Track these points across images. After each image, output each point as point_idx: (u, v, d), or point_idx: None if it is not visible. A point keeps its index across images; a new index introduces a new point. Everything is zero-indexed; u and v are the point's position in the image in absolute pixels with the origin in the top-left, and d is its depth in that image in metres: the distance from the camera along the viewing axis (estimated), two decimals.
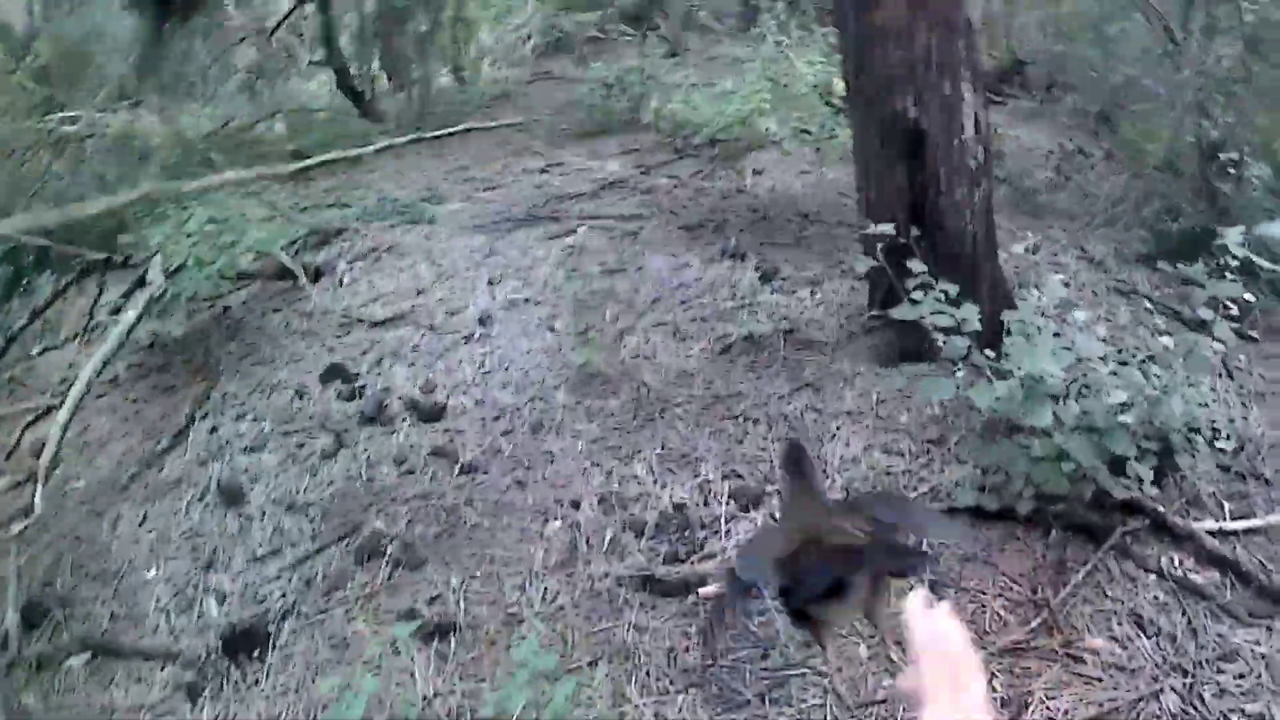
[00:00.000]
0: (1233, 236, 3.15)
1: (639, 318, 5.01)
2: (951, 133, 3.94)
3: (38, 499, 4.04)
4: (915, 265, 3.34)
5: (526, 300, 5.42)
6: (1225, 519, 3.29)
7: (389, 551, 3.69)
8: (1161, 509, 3.20)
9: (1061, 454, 3.00)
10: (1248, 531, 3.23)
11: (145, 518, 4.41)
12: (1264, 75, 5.73)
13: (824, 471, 3.72)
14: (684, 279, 5.33)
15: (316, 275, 6.27)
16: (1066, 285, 4.71)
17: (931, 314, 3.21)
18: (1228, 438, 3.57)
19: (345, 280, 6.18)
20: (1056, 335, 3.18)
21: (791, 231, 5.98)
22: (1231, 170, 5.50)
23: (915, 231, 3.70)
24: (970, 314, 3.19)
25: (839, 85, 5.77)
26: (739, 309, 4.94)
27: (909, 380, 3.90)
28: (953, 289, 3.29)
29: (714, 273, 5.39)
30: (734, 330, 4.72)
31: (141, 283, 5.44)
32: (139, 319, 5.12)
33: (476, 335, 5.14)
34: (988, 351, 3.20)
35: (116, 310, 5.51)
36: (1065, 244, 5.64)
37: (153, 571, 4.08)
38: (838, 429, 3.97)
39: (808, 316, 4.83)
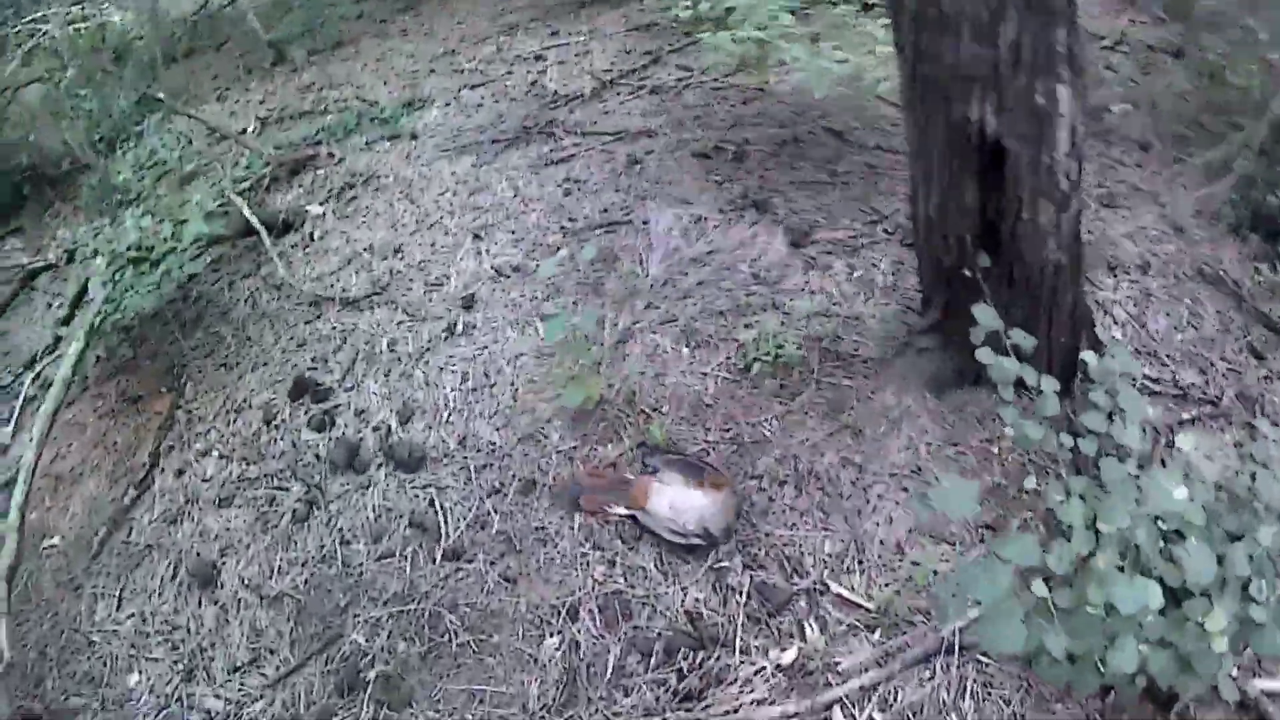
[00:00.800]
0: None
1: (645, 309, 4.55)
2: (1040, 150, 3.30)
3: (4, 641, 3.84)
4: (983, 313, 3.06)
5: (516, 269, 4.97)
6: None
7: (370, 683, 3.52)
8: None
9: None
10: None
11: (121, 600, 4.29)
12: None
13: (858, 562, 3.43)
14: (697, 247, 4.81)
15: (285, 228, 5.86)
16: (1145, 269, 4.43)
17: (1002, 381, 2.97)
18: None
19: (316, 234, 5.76)
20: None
21: (824, 160, 5.38)
22: None
23: (986, 259, 3.38)
24: (1048, 387, 2.91)
25: None
26: (763, 301, 4.48)
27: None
28: (1028, 343, 3.02)
29: (734, 235, 4.88)
30: (757, 335, 4.26)
31: (81, 296, 5.09)
32: (83, 352, 4.78)
33: (459, 326, 4.77)
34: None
35: (56, 343, 5.20)
36: (1141, 190, 5.00)
37: (135, 677, 3.99)
38: (879, 498, 3.60)
39: (846, 310, 4.37)
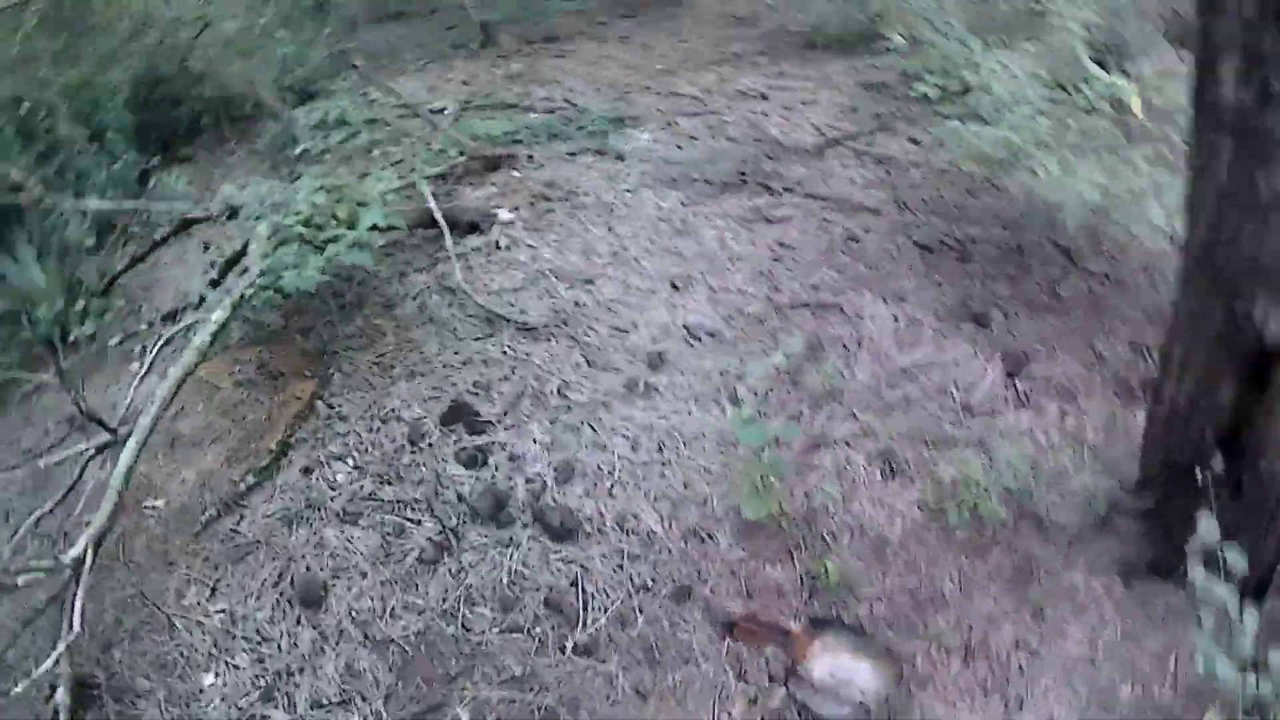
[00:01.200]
0: None
1: (844, 418, 4.27)
2: None
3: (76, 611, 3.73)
4: (1208, 526, 2.96)
5: (711, 335, 4.74)
6: None
7: None
8: None
9: None
10: None
11: (214, 591, 4.16)
12: None
13: None
14: (910, 356, 4.56)
15: (470, 228, 5.73)
16: None
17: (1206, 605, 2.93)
18: None
19: (502, 242, 5.60)
20: None
21: (1048, 279, 5.13)
22: None
23: (1221, 463, 3.27)
24: (1250, 624, 2.85)
25: (1137, 104, 4.96)
26: (970, 436, 4.24)
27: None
28: (1241, 564, 2.91)
29: (949, 349, 4.63)
30: (958, 477, 4.01)
31: (237, 259, 5.00)
32: (224, 324, 4.68)
33: (641, 385, 4.55)
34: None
35: (200, 302, 5.12)
36: None
37: (210, 678, 3.86)
38: (1044, 691, 3.39)
39: (1051, 466, 4.09)
